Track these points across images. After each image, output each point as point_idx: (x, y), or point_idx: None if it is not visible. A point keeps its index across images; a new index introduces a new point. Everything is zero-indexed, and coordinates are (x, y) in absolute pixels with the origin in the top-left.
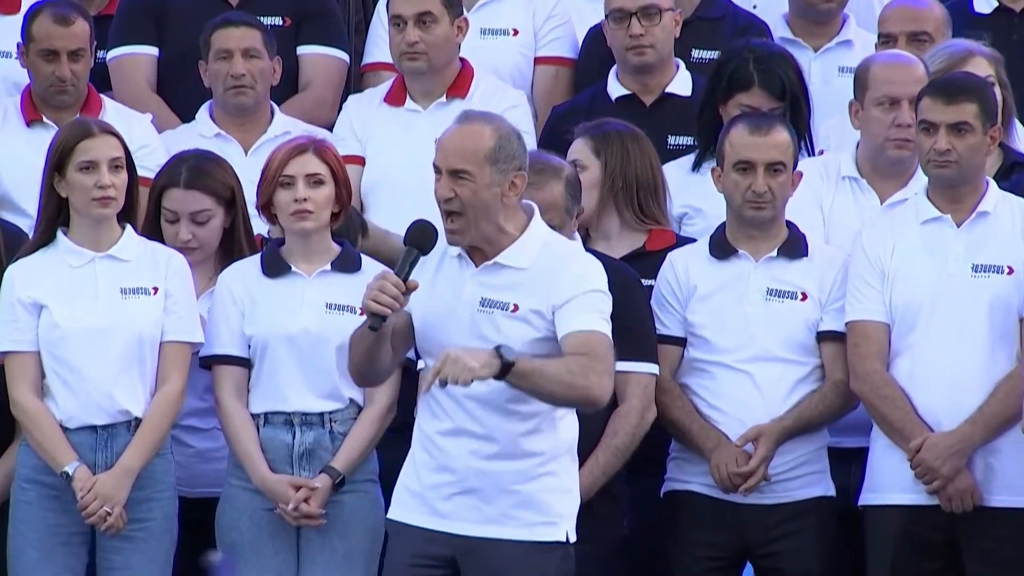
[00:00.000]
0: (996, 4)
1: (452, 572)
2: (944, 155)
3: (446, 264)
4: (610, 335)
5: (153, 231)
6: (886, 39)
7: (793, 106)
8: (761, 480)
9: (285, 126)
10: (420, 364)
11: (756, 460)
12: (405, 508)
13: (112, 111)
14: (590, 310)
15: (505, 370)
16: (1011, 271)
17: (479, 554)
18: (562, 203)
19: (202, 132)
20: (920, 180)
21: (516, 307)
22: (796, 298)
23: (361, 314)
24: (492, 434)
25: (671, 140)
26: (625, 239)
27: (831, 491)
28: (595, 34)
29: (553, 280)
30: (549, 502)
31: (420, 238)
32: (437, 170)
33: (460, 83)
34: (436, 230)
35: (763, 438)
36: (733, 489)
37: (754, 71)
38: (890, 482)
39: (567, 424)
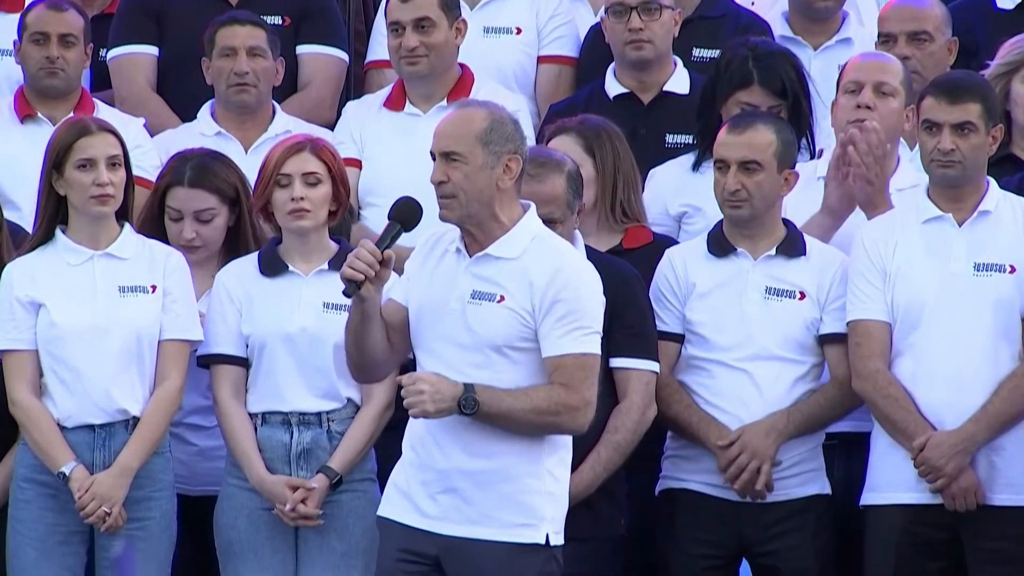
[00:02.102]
0: (1019, 0)
1: (438, 570)
2: (948, 155)
3: (446, 259)
4: (595, 350)
5: (155, 230)
6: (886, 39)
7: (794, 104)
8: (767, 480)
9: (286, 125)
10: None
11: (767, 464)
12: (393, 505)
13: (105, 113)
14: (572, 328)
15: (468, 411)
16: (1013, 270)
17: (461, 554)
18: (563, 196)
19: (203, 131)
20: (903, 177)
21: (502, 297)
22: (794, 297)
23: None
24: (474, 434)
25: (669, 139)
26: (603, 237)
27: (827, 489)
28: (596, 32)
29: (539, 276)
30: (530, 503)
31: (404, 214)
32: (433, 157)
33: (460, 87)
34: (421, 208)
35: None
36: (746, 492)
37: (753, 69)
38: (892, 481)
39: None
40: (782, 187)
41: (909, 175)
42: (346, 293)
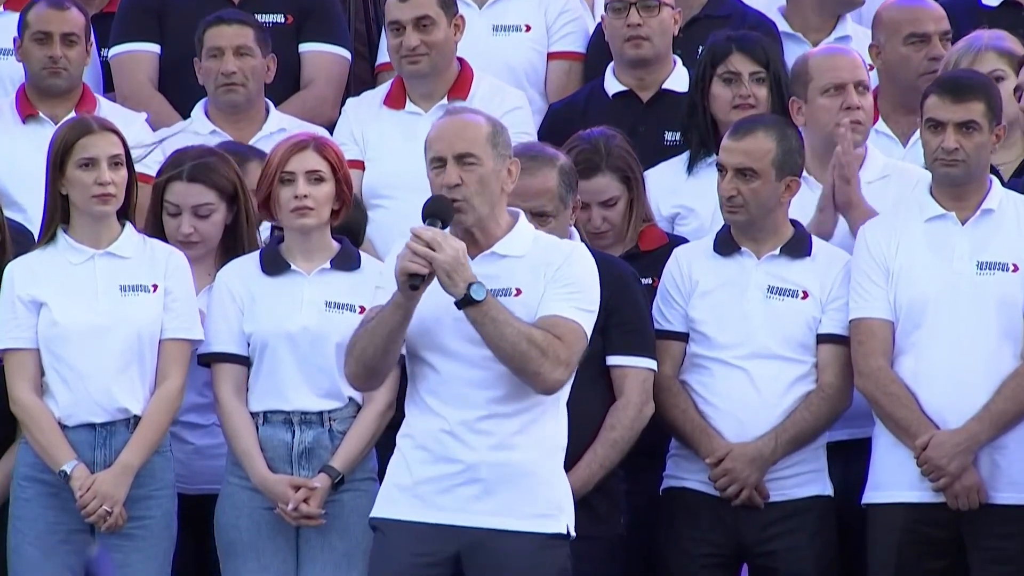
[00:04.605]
0: None
1: (456, 571)
2: (952, 154)
3: None
4: (588, 329)
5: (156, 226)
6: (920, 38)
7: (775, 79)
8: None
9: (280, 123)
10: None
11: (748, 491)
12: (398, 505)
13: (107, 110)
14: (575, 299)
15: (468, 302)
16: (1016, 268)
17: (485, 548)
18: (556, 190)
19: (197, 130)
20: (872, 168)
21: (519, 291)
22: (797, 296)
23: (361, 311)
24: (497, 427)
25: (668, 136)
26: (619, 241)
27: (828, 490)
28: (602, 31)
29: (551, 268)
30: (550, 495)
31: (439, 210)
32: (441, 161)
33: (460, 84)
34: (452, 202)
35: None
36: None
37: (731, 42)
38: (895, 480)
39: (560, 421)
40: (783, 194)
41: (877, 166)
42: (413, 286)
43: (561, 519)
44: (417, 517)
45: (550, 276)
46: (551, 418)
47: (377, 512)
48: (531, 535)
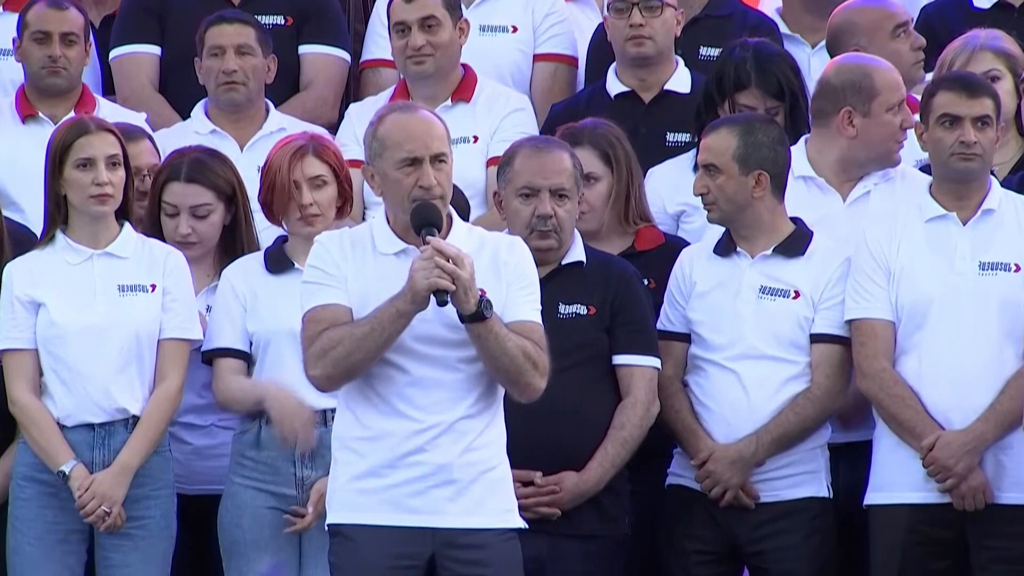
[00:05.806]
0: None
1: (429, 573)
2: (971, 147)
3: (385, 261)
4: None
5: (154, 226)
6: (903, 28)
7: (792, 106)
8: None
9: (280, 123)
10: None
11: (732, 492)
12: (365, 509)
13: (107, 110)
14: (532, 300)
15: (478, 318)
16: (1018, 268)
17: (458, 547)
18: (572, 170)
19: (197, 129)
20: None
21: (483, 291)
22: (789, 296)
23: None
24: (467, 426)
25: (670, 137)
26: (614, 241)
27: (823, 492)
28: (602, 32)
29: (507, 267)
30: (508, 490)
31: (436, 218)
32: (416, 161)
33: (464, 87)
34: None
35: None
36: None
37: (751, 71)
38: (898, 481)
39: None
40: (752, 189)
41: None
42: (442, 303)
43: (516, 513)
44: (391, 521)
45: (509, 276)
46: (500, 418)
47: (339, 517)
48: (498, 531)
